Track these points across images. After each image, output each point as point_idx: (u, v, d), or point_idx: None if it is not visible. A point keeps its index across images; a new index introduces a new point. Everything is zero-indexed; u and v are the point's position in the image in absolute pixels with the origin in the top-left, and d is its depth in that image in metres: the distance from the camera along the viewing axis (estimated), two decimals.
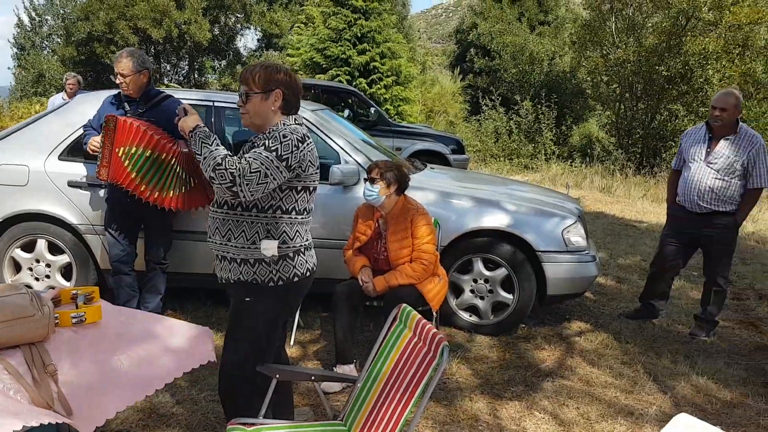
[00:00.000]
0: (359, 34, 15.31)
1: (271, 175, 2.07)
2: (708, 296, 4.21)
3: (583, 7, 17.96)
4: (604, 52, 15.66)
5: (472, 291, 4.09)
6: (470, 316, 4.14)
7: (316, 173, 2.24)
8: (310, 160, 2.18)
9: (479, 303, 4.09)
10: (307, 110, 4.25)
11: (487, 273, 4.04)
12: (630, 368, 3.63)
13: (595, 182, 12.97)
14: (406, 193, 3.53)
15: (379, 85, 15.83)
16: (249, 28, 21.86)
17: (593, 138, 19.54)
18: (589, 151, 18.35)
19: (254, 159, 2.05)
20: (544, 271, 3.98)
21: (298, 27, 18.82)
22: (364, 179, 3.50)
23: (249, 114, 2.20)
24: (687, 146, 4.20)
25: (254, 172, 2.03)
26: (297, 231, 2.23)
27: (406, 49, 18.09)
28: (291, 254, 2.21)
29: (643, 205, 10.37)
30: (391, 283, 3.34)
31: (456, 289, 4.13)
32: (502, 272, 4.02)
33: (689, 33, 13.61)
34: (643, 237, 7.42)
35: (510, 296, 4.04)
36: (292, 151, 2.10)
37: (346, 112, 10.14)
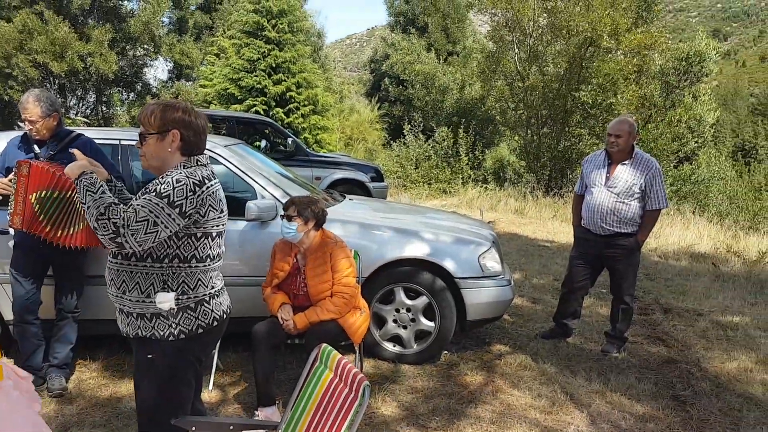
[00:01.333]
0: (274, 65, 15.31)
1: (162, 223, 1.94)
2: (616, 314, 4.42)
3: (488, 39, 18.81)
4: (510, 81, 16.39)
5: (394, 321, 4.11)
6: (394, 346, 4.16)
7: (219, 217, 2.12)
8: (210, 204, 2.06)
9: (402, 332, 4.12)
10: (220, 146, 4.18)
11: (408, 302, 4.08)
12: (548, 388, 3.74)
13: (509, 204, 13.45)
14: (324, 225, 3.52)
15: (296, 114, 15.84)
16: (158, 59, 21.34)
17: (505, 162, 20.35)
18: (502, 174, 19.10)
19: (142, 207, 1.93)
20: (464, 297, 4.07)
21: (210, 58, 18.61)
22: (281, 216, 3.47)
23: (146, 156, 2.09)
24: (588, 172, 4.44)
25: (141, 221, 1.91)
26: (199, 279, 2.10)
27: (322, 78, 18.26)
28: (192, 305, 2.08)
29: (554, 226, 10.83)
30: (311, 320, 3.31)
31: (379, 320, 4.14)
32: (423, 300, 4.07)
33: (590, 60, 14.47)
34: (554, 257, 7.74)
35: (432, 324, 4.09)
36: (186, 197, 1.97)
37: (263, 143, 10.06)
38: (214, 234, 2.11)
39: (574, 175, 15.77)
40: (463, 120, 18.21)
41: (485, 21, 17.87)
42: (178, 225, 1.99)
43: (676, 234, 9.44)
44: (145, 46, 19.97)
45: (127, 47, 19.96)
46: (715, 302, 5.67)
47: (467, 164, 17.27)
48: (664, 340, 4.67)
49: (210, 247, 2.11)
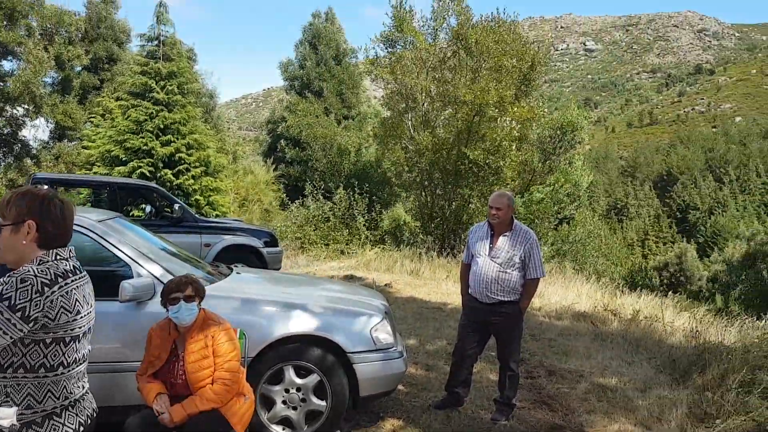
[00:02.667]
0: (162, 126, 14.91)
1: (1, 329, 1.73)
2: (504, 380, 4.52)
3: (382, 105, 19.52)
4: (404, 145, 16.96)
5: (284, 402, 3.94)
6: (283, 429, 3.97)
7: (75, 320, 1.89)
8: (63, 306, 1.84)
9: (292, 414, 3.95)
10: (93, 221, 3.93)
11: (298, 381, 3.94)
12: None
13: (405, 266, 13.62)
14: (210, 302, 3.37)
15: (186, 176, 15.41)
16: (39, 120, 20.20)
17: (401, 222, 20.78)
18: (398, 235, 19.45)
19: None
20: (356, 372, 3.99)
21: (95, 119, 17.88)
22: (171, 298, 3.26)
23: (1, 250, 1.90)
24: (473, 242, 4.61)
25: None
26: (49, 390, 1.86)
27: (214, 139, 18.00)
28: (39, 419, 1.85)
29: (447, 287, 11.06)
30: (190, 411, 3.09)
31: (267, 402, 3.95)
32: (314, 378, 3.94)
33: (478, 125, 15.31)
34: (448, 319, 7.87)
35: (323, 403, 3.96)
36: (31, 299, 1.76)
37: (148, 209, 9.63)
38: (68, 339, 1.89)
39: (465, 236, 16.34)
40: (360, 182, 18.52)
41: (380, 87, 18.56)
42: (21, 331, 1.77)
43: (558, 293, 9.93)
44: (25, 105, 18.88)
45: (6, 107, 18.77)
46: (595, 362, 5.96)
47: (364, 225, 17.46)
48: (550, 405, 4.81)
49: (64, 354, 1.89)
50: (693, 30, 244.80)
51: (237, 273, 4.70)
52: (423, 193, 17.42)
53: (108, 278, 3.81)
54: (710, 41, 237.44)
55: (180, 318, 3.21)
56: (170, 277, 3.70)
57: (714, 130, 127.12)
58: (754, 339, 5.79)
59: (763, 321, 7.67)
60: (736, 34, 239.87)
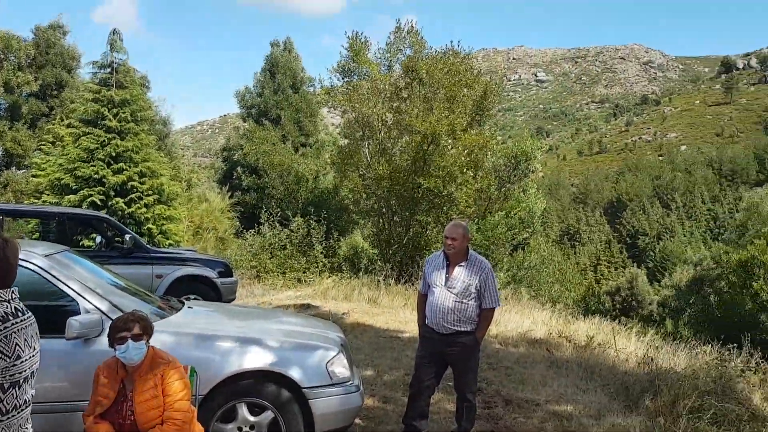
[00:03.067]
0: (114, 154, 14.60)
1: None
2: (461, 411, 4.51)
3: (339, 134, 19.63)
4: (361, 173, 17.02)
5: None
6: None
7: (16, 365, 1.82)
8: (2, 351, 1.79)
9: None
10: (39, 256, 3.79)
11: (252, 419, 3.84)
12: None
13: (363, 294, 13.54)
14: (160, 338, 3.27)
15: (139, 205, 15.07)
16: None
17: (359, 249, 20.73)
18: (356, 262, 19.38)
19: None
20: (311, 408, 3.92)
21: (44, 146, 17.38)
22: (118, 337, 3.15)
23: None
24: (429, 272, 4.62)
25: None
26: None
27: (168, 167, 17.69)
28: None
29: (405, 315, 11.03)
30: None
31: None
32: (268, 416, 3.85)
33: (432, 155, 15.50)
34: (406, 348, 7.83)
35: None
36: None
37: (99, 240, 9.36)
38: (7, 385, 1.81)
39: (423, 262, 16.38)
40: (318, 209, 18.44)
41: (337, 114, 18.66)
42: None
43: (515, 320, 10.03)
44: None
45: None
46: (551, 390, 6.01)
47: (322, 253, 17.33)
48: None
49: (3, 401, 1.80)
50: (639, 62, 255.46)
51: (188, 307, 4.59)
52: (380, 220, 17.46)
53: (54, 315, 3.69)
54: (655, 73, 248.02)
55: (128, 357, 3.10)
56: (119, 312, 3.60)
57: (660, 158, 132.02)
58: (703, 365, 5.96)
59: (710, 346, 7.90)
60: (680, 66, 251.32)
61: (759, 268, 23.62)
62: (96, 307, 3.72)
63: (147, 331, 3.15)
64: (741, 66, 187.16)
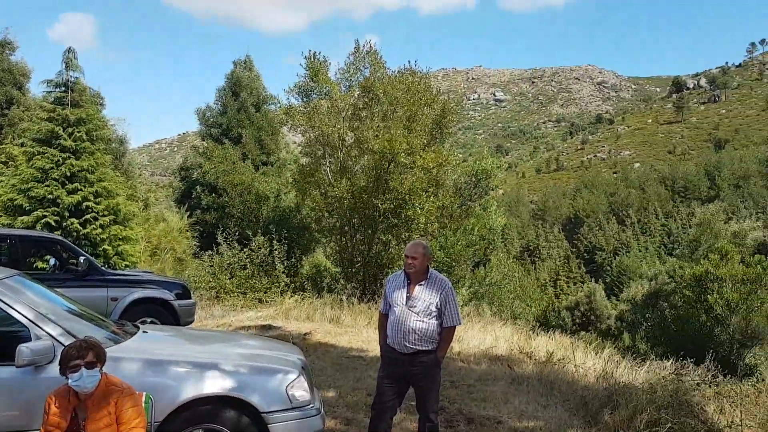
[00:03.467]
0: (69, 174, 14.22)
1: None
2: (423, 430, 4.49)
3: (301, 152, 19.57)
4: (323, 191, 16.98)
5: None
6: None
7: None
8: None
9: None
10: None
11: None
12: None
13: (326, 313, 13.43)
14: (114, 365, 3.18)
15: (94, 225, 14.67)
16: None
17: (322, 268, 20.60)
18: (319, 281, 19.25)
19: None
20: None
21: None
22: (71, 366, 3.04)
23: None
24: (390, 291, 4.62)
25: None
26: None
27: (124, 186, 17.32)
28: None
29: (368, 333, 10.97)
30: None
31: None
32: None
33: (392, 174, 15.58)
34: (368, 368, 7.79)
35: None
36: None
37: (52, 262, 9.06)
38: None
39: (386, 281, 16.37)
40: (279, 228, 18.28)
41: (298, 133, 18.61)
42: None
43: (477, 337, 10.09)
44: None
45: None
46: (513, 407, 6.05)
47: (284, 272, 17.15)
48: None
49: None
50: (593, 82, 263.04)
51: (144, 332, 4.47)
52: (342, 238, 17.41)
53: (4, 341, 3.60)
54: (609, 93, 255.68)
55: (81, 386, 3.00)
56: (71, 338, 3.49)
57: (615, 175, 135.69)
58: (660, 379, 6.09)
59: (667, 360, 8.08)
60: (633, 87, 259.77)
61: (713, 282, 24.36)
62: (47, 333, 3.60)
63: (100, 358, 3.06)
64: (691, 86, 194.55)
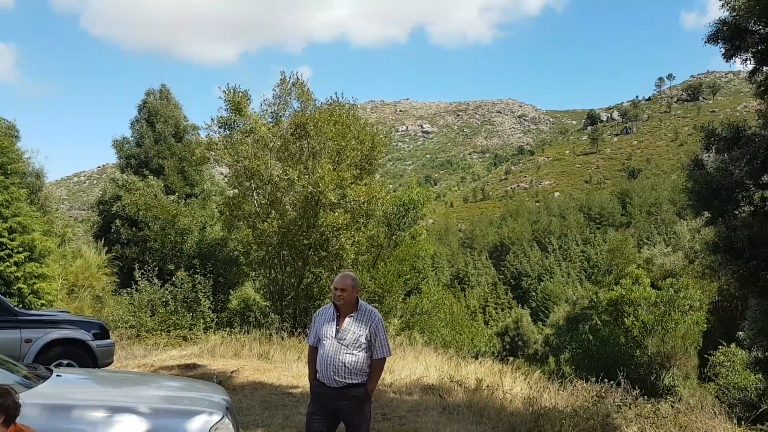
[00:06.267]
0: None
1: None
2: None
3: (228, 184, 19.21)
4: (251, 223, 16.70)
5: None
6: None
7: None
8: None
9: None
10: None
11: None
12: None
13: (254, 349, 13.08)
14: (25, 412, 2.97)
15: (8, 263, 13.84)
16: None
17: (250, 302, 20.13)
18: (247, 315, 18.77)
19: None
20: None
21: None
22: None
23: None
24: (319, 325, 4.57)
25: None
26: None
27: (40, 221, 16.42)
28: None
29: (298, 368, 10.77)
30: None
31: None
32: None
33: (321, 209, 15.52)
34: (299, 405, 7.63)
35: None
36: None
37: None
38: None
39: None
40: (204, 261, 17.77)
41: (224, 164, 18.24)
42: None
43: (408, 367, 10.10)
44: None
45: None
46: None
47: (209, 308, 16.63)
48: None
49: None
50: (514, 115, 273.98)
51: (57, 375, 4.22)
52: (272, 272, 17.12)
53: None
54: (529, 125, 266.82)
55: None
56: None
57: (537, 204, 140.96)
58: (583, 402, 6.27)
59: (589, 383, 8.34)
60: (551, 120, 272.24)
61: (628, 305, 25.55)
62: None
63: (5, 410, 2.83)
64: (604, 118, 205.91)
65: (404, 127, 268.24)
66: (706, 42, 8.95)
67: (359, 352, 4.40)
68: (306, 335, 14.56)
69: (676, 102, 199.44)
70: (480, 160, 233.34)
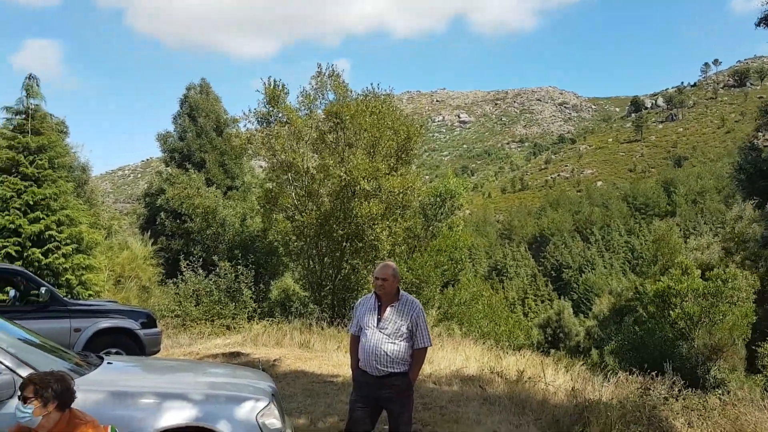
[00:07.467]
0: (31, 202, 13.87)
1: None
2: None
3: (266, 177, 19.47)
4: (289, 215, 16.90)
5: None
6: None
7: None
8: None
9: None
10: None
11: None
12: None
13: (295, 338, 13.27)
14: (78, 398, 3.08)
15: (56, 255, 14.31)
16: None
17: (290, 292, 20.41)
18: (287, 305, 19.04)
19: None
20: None
21: None
22: (18, 396, 2.96)
23: None
24: (361, 314, 4.60)
25: None
26: None
27: (87, 214, 16.95)
28: None
29: (338, 357, 10.89)
30: None
31: None
32: None
33: (356, 199, 15.60)
34: (340, 393, 7.71)
35: None
36: None
37: (12, 293, 8.80)
38: None
39: (355, 303, 16.31)
40: (246, 253, 18.07)
41: (261, 158, 18.51)
42: None
43: (447, 357, 10.09)
44: None
45: None
46: (485, 428, 6.05)
47: (251, 298, 16.92)
48: None
49: None
50: (554, 103, 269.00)
51: (108, 363, 4.35)
52: (311, 263, 17.30)
53: None
54: (570, 113, 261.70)
55: (18, 418, 2.92)
56: (31, 371, 3.38)
57: (579, 193, 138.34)
58: (629, 394, 6.16)
59: (635, 375, 8.18)
60: (593, 107, 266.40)
61: (675, 297, 24.90)
62: (6, 367, 3.49)
63: (40, 394, 2.93)
64: (649, 105, 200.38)
65: (441, 118, 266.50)
66: (757, 24, 8.62)
67: (401, 341, 4.41)
68: (344, 326, 14.71)
69: (722, 88, 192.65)
70: (519, 149, 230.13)
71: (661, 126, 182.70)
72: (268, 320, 15.83)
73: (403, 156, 16.84)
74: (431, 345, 4.54)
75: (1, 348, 3.59)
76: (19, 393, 2.99)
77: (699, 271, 27.36)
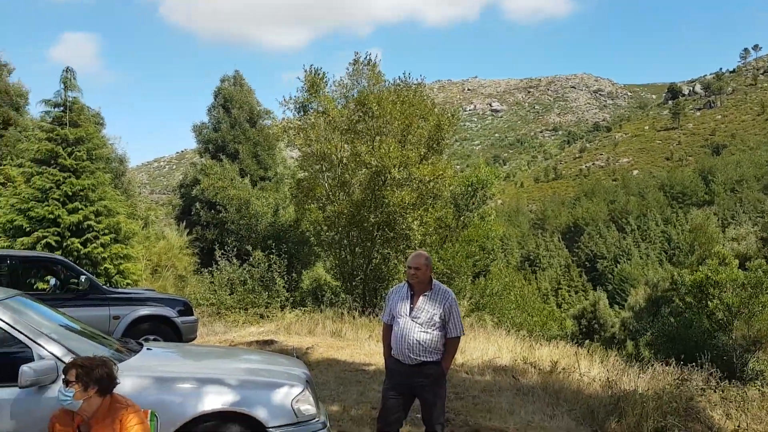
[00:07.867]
0: (70, 193, 14.24)
1: None
2: None
3: (298, 167, 19.61)
4: (321, 205, 17.00)
5: None
6: None
7: None
8: None
9: None
10: None
11: None
12: None
13: (327, 327, 13.39)
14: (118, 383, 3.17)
15: (95, 244, 14.68)
16: None
17: (322, 282, 20.58)
18: (319, 295, 19.22)
19: None
20: None
21: None
22: (63, 379, 3.06)
23: None
24: (393, 303, 4.62)
25: None
26: None
27: (124, 205, 17.35)
28: None
29: (370, 346, 10.95)
30: None
31: None
32: None
33: (387, 188, 15.61)
34: (372, 382, 7.76)
35: None
36: None
37: (52, 282, 9.06)
38: None
39: (387, 293, 16.36)
40: (278, 242, 18.27)
41: (296, 147, 18.65)
42: None
43: (480, 348, 10.06)
44: None
45: None
46: (519, 418, 6.02)
47: (284, 287, 17.12)
48: None
49: None
50: (589, 90, 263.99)
51: (147, 349, 4.46)
52: (342, 252, 17.40)
53: (7, 362, 3.59)
54: (605, 101, 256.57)
55: (59, 401, 3.01)
56: (73, 357, 3.49)
57: (614, 182, 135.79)
58: (665, 385, 6.06)
59: (671, 366, 8.04)
60: (629, 94, 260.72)
61: (713, 287, 24.31)
62: (50, 352, 3.59)
63: (81, 378, 3.02)
64: (686, 92, 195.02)
65: (472, 106, 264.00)
66: None
67: (433, 330, 4.41)
68: (376, 315, 14.78)
69: (762, 74, 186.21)
70: (552, 138, 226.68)
71: (698, 113, 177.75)
72: (300, 309, 16.01)
73: (434, 145, 16.76)
74: (464, 334, 4.53)
75: (45, 334, 3.71)
76: (62, 377, 3.09)
77: (737, 261, 26.64)
